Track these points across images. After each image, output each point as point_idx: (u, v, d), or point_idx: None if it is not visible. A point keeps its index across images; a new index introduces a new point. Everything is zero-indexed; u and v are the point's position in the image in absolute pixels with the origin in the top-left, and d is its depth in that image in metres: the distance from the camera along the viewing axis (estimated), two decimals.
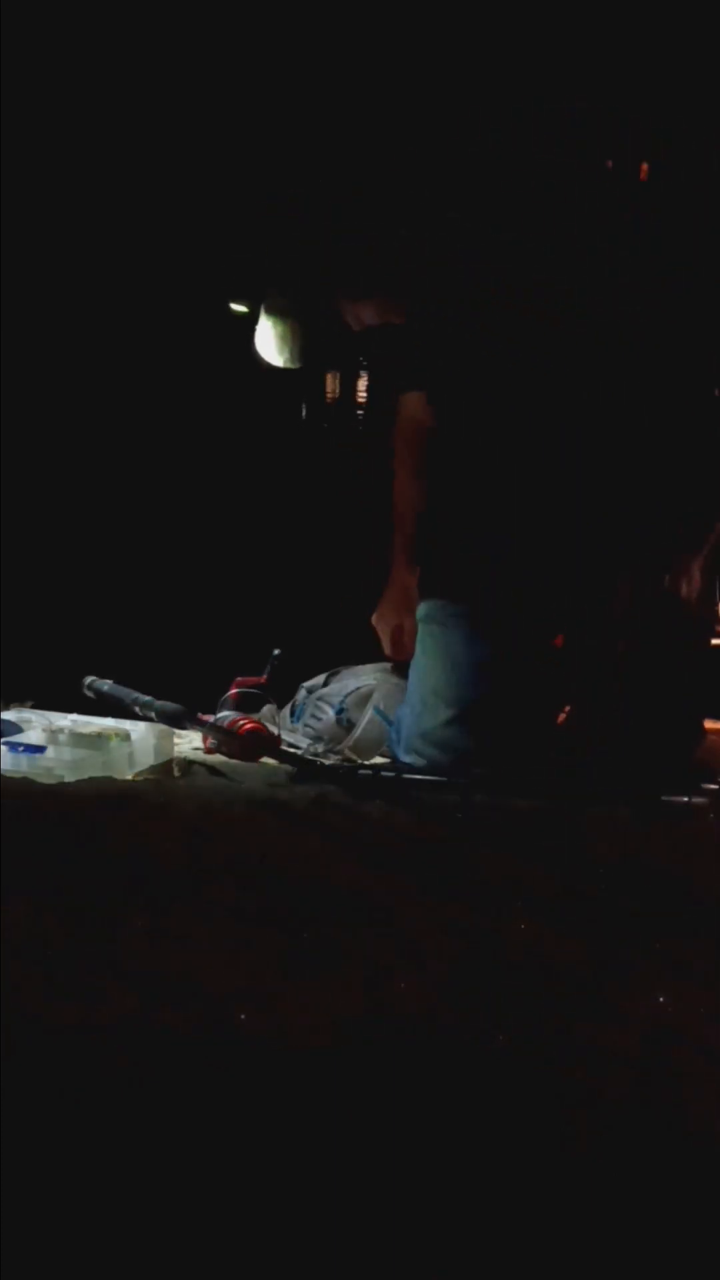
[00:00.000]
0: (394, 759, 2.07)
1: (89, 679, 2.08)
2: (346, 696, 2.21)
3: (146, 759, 1.91)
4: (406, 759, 2.02)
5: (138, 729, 1.94)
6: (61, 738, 1.91)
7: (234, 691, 2.06)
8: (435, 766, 1.93)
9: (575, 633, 1.96)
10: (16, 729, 1.89)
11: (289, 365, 1.99)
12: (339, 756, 2.08)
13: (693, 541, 1.91)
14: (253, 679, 2.09)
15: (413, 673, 2.06)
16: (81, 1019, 0.90)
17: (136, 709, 1.97)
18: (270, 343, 1.97)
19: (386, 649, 2.12)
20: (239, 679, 2.09)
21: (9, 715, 1.95)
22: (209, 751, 2.00)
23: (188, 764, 1.93)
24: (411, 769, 1.93)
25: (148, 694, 1.99)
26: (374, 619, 2.14)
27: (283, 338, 1.96)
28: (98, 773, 1.77)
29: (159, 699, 1.96)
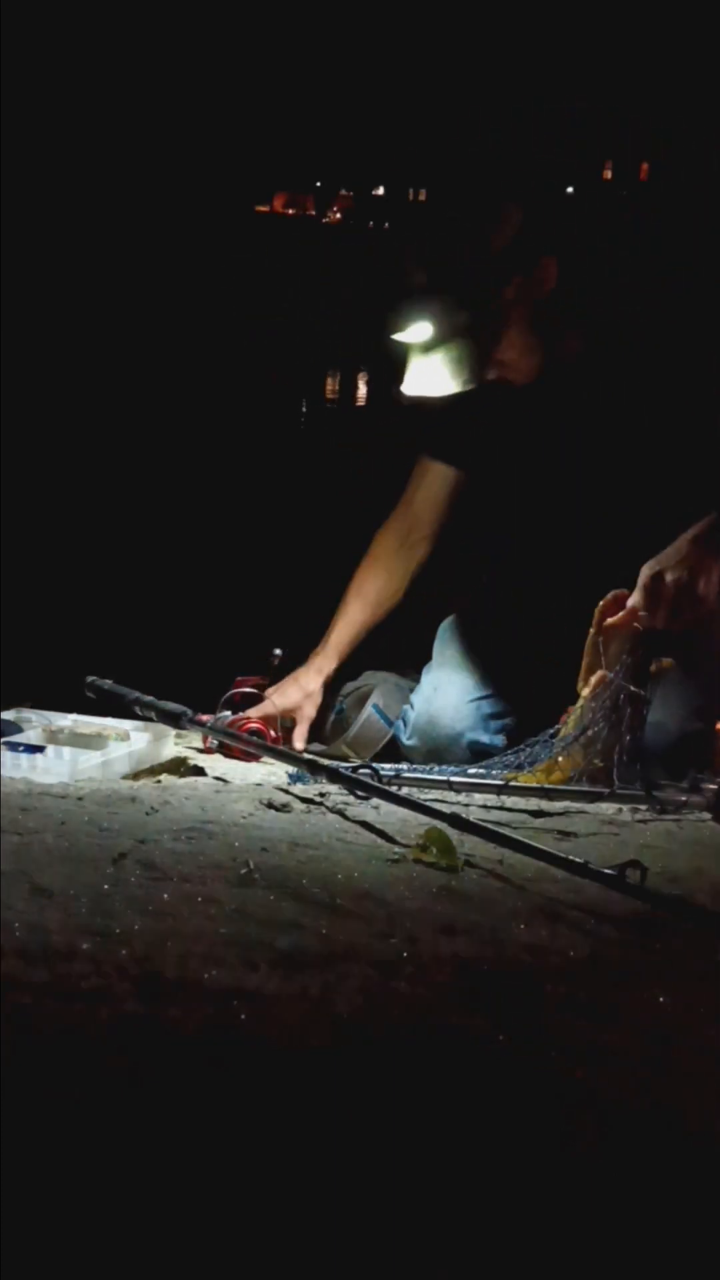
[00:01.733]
0: (395, 745, 2.08)
1: (90, 678, 2.08)
2: (346, 695, 2.21)
3: (146, 759, 1.91)
4: (409, 743, 2.03)
5: (138, 729, 1.94)
6: (61, 738, 1.91)
7: (234, 691, 2.06)
8: (435, 766, 1.93)
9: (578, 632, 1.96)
10: (16, 729, 1.89)
11: (466, 388, 1.78)
12: (336, 753, 2.08)
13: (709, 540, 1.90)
14: (253, 679, 2.09)
15: (431, 665, 2.10)
16: (81, 1019, 0.90)
17: (137, 709, 1.97)
18: (442, 369, 1.76)
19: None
20: (239, 679, 2.09)
21: (9, 715, 1.95)
22: (209, 751, 1.99)
23: (188, 764, 1.93)
24: (411, 769, 1.93)
25: (148, 694, 1.99)
26: (270, 691, 2.05)
27: (459, 360, 1.75)
28: (98, 773, 1.77)
29: (159, 699, 1.96)
